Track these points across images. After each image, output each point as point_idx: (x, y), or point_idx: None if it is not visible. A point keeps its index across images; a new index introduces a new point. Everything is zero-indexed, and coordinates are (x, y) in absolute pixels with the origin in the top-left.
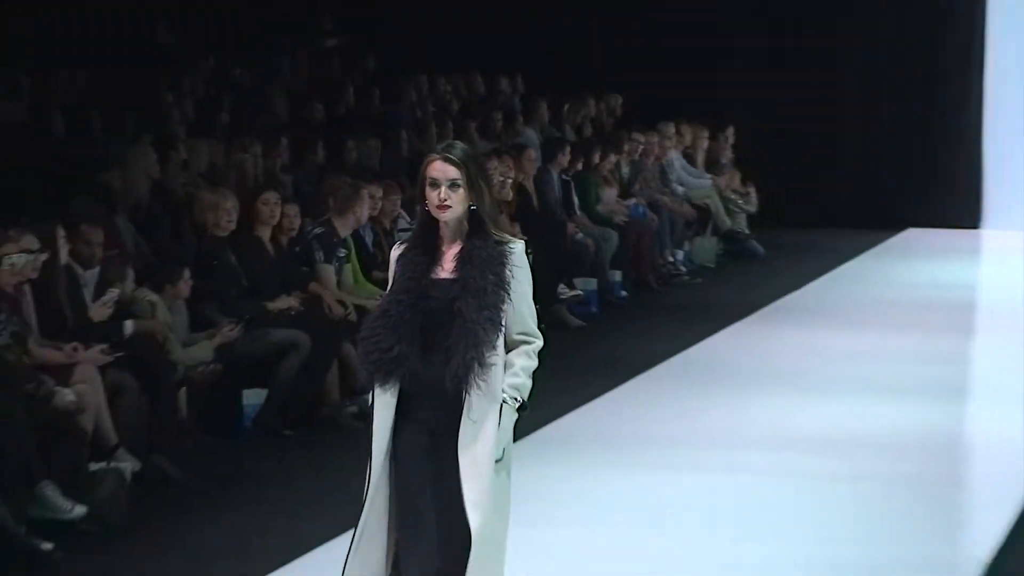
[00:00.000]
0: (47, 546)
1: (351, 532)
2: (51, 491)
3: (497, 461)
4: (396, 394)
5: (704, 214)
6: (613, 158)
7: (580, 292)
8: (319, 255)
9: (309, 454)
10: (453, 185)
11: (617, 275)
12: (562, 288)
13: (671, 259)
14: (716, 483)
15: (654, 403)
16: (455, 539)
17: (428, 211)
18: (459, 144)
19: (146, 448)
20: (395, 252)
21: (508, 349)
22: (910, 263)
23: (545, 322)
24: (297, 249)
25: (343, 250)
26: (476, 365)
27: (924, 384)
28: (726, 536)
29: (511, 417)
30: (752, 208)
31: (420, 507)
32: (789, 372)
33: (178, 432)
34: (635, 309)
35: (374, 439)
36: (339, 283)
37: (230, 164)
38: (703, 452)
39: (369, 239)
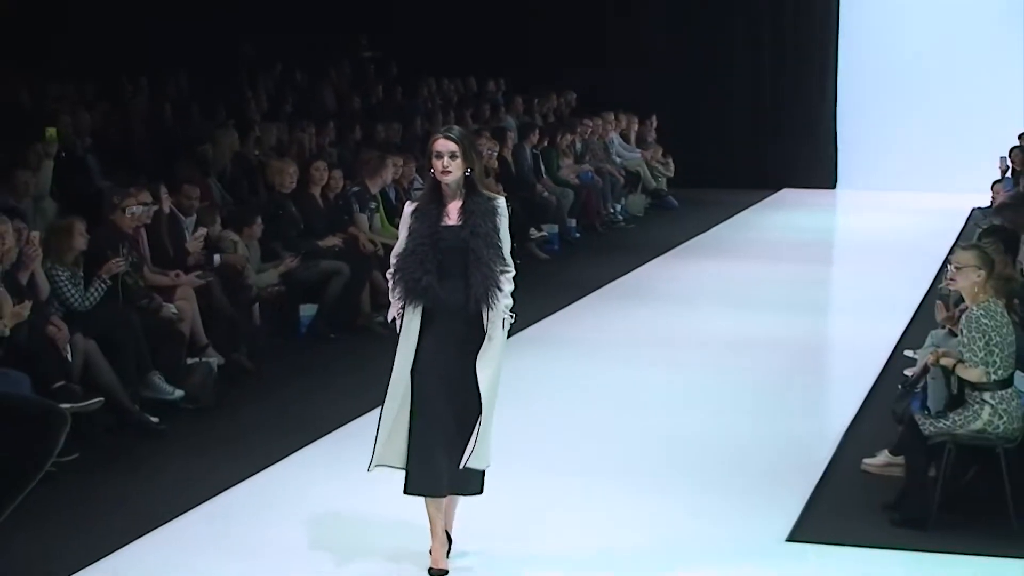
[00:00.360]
0: (154, 419)
1: (377, 416)
2: (158, 379)
3: None
4: (420, 313)
5: (635, 178)
6: (569, 137)
7: (546, 234)
8: (356, 207)
9: (348, 352)
10: (452, 156)
11: (573, 222)
12: (532, 231)
13: (611, 210)
14: (648, 372)
15: (601, 314)
16: (469, 421)
17: (434, 176)
18: (456, 127)
19: (229, 347)
20: (408, 208)
21: None
22: (784, 214)
23: (520, 257)
24: (340, 203)
25: (373, 203)
26: (494, 288)
27: (795, 301)
28: (656, 411)
29: (507, 328)
30: (670, 173)
31: (439, 402)
32: (698, 292)
33: (253, 335)
34: (586, 247)
35: (400, 348)
36: (370, 227)
37: (292, 141)
38: (638, 349)
39: (392, 195)
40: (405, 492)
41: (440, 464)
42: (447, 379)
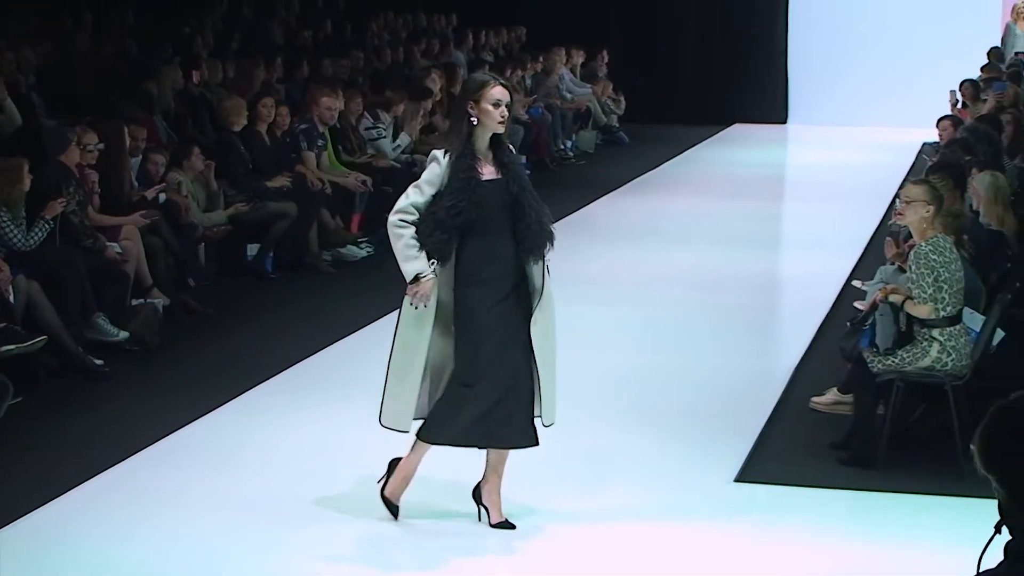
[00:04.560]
0: (98, 362)
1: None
2: (102, 320)
3: None
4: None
5: (586, 113)
6: (520, 72)
7: None
8: (304, 144)
9: (295, 292)
10: (508, 106)
11: (523, 158)
12: None
13: (562, 146)
14: (597, 310)
15: (554, 252)
16: (524, 376)
17: (473, 124)
18: None
19: (174, 287)
20: (443, 158)
21: None
22: (735, 149)
23: None
24: (287, 140)
25: (321, 140)
26: (548, 243)
27: (745, 237)
28: (603, 350)
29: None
30: (620, 111)
31: (499, 362)
32: (649, 228)
33: (198, 275)
34: (536, 184)
35: (415, 310)
36: (319, 165)
37: (239, 78)
38: (587, 287)
39: (340, 131)
40: (457, 444)
41: (502, 418)
42: (502, 338)
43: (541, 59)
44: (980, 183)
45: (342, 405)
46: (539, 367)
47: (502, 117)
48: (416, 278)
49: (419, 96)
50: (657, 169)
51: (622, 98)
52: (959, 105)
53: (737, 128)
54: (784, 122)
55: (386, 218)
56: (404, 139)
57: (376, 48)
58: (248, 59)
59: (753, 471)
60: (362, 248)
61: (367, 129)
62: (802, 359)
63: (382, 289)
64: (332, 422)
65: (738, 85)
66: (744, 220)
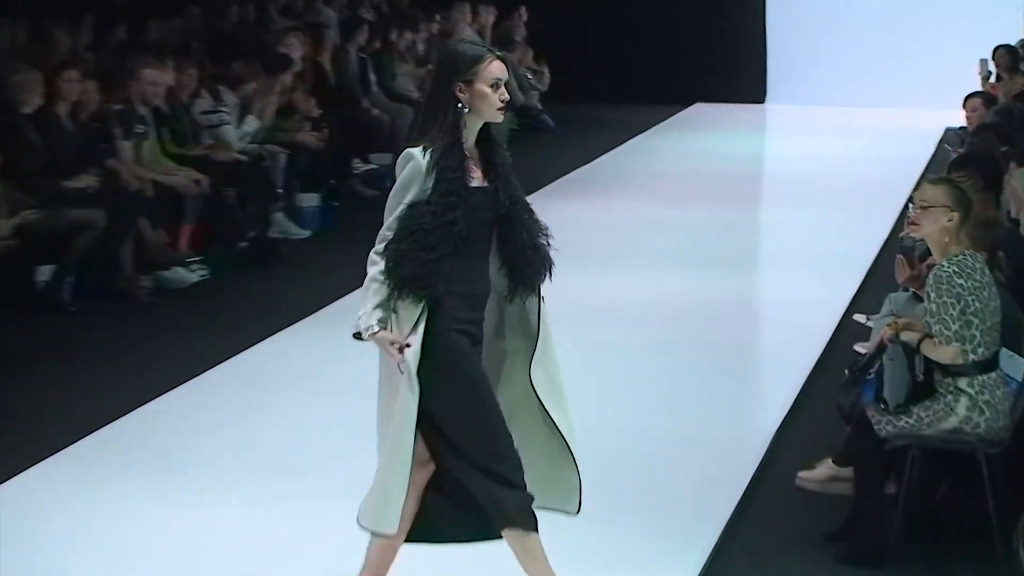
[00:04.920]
0: None
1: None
2: None
3: None
4: (424, 311)
5: None
6: (408, 37)
7: (375, 166)
8: (118, 132)
9: (104, 327)
10: (508, 85)
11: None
12: (357, 163)
13: None
14: None
15: None
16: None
17: (463, 112)
18: None
19: None
20: (421, 157)
21: None
22: (698, 136)
23: (340, 197)
24: (96, 126)
25: (142, 126)
26: (547, 271)
27: (712, 254)
28: None
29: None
30: (544, 87)
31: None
32: (581, 244)
33: None
34: None
35: (400, 371)
36: (138, 159)
37: (34, 43)
38: None
39: (168, 114)
40: (498, 533)
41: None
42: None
43: (438, 18)
44: (1020, 182)
45: (156, 480)
46: (563, 430)
47: (502, 101)
48: (360, 335)
49: (275, 68)
50: (593, 163)
51: (545, 70)
52: (992, 79)
53: (700, 108)
54: (761, 101)
55: (225, 230)
56: (253, 124)
57: (218, 5)
58: (47, 19)
59: (721, 571)
60: (193, 271)
61: (204, 112)
62: (785, 419)
63: (220, 325)
64: (139, 498)
65: (702, 54)
66: (710, 231)
